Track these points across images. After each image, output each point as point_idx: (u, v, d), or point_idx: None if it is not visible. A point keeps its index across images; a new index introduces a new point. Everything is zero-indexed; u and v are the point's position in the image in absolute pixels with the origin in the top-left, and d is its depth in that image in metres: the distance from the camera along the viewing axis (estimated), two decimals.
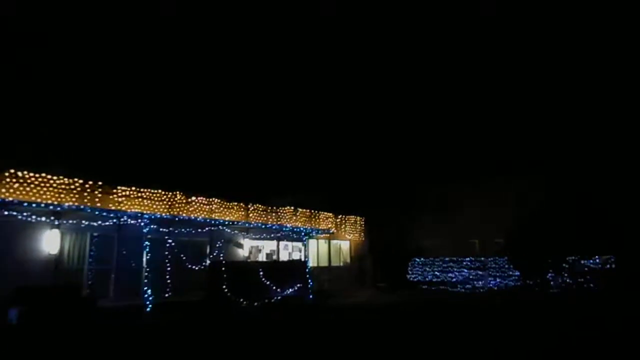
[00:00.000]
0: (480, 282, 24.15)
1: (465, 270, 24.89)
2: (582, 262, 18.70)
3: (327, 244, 23.86)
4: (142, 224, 14.23)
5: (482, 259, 24.44)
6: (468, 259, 24.91)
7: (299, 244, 21.92)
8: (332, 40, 28.90)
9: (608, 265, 17.99)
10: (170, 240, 15.13)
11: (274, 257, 20.68)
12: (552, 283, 19.37)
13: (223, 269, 16.16)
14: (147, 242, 13.94)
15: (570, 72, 27.11)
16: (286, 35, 27.46)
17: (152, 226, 15.14)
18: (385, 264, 26.38)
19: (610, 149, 24.64)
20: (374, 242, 26.98)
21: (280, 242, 21.27)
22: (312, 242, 22.88)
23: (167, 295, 14.62)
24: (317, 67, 28.96)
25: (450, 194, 29.28)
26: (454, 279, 25.13)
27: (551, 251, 18.58)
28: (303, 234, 20.45)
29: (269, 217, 19.74)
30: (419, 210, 28.76)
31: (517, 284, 21.79)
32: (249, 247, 19.64)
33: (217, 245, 16.79)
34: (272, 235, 20.28)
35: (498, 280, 23.51)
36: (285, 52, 28.47)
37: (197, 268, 15.70)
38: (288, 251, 21.99)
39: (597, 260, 18.31)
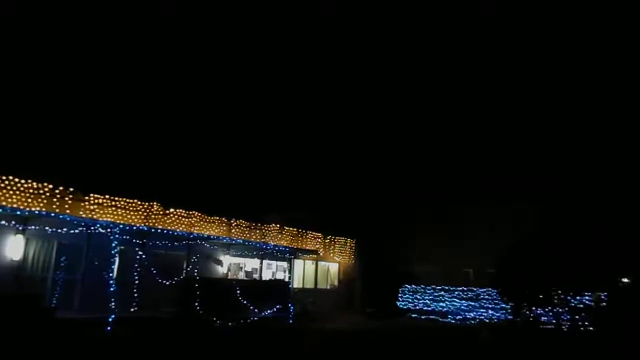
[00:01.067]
0: (471, 314, 23.19)
1: (457, 301, 23.95)
2: (576, 298, 17.78)
3: (315, 265, 23.12)
4: (113, 234, 13.68)
5: (475, 289, 23.53)
6: (460, 288, 24.00)
7: (284, 264, 21.21)
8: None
9: (601, 303, 17.06)
10: (140, 253, 14.54)
11: (255, 275, 19.96)
12: (543, 319, 18.39)
13: (196, 285, 15.49)
14: (116, 253, 13.35)
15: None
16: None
17: (124, 237, 14.60)
18: (374, 289, 25.47)
19: (614, 170, 23.76)
20: (365, 265, 26.17)
21: (264, 261, 20.59)
22: (298, 263, 22.15)
23: (133, 309, 13.93)
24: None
25: (445, 220, 28.47)
26: (445, 309, 24.16)
27: (541, 284, 17.70)
28: (288, 253, 19.76)
29: (253, 233, 19.13)
30: (412, 235, 27.94)
31: (507, 317, 20.80)
32: (228, 264, 18.98)
33: (193, 260, 16.15)
34: (255, 253, 19.63)
35: (490, 312, 22.55)
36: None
37: (167, 283, 15.04)
38: (272, 270, 21.26)
39: (589, 297, 17.38)
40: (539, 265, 17.64)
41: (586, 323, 17.54)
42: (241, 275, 19.66)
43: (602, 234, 18.08)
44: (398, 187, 28.58)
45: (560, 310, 17.66)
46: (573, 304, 17.59)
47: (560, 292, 17.48)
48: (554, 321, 18.16)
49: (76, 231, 13.47)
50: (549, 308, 18.15)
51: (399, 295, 26.04)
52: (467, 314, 23.24)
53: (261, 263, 20.03)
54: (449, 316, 23.71)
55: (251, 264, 20.15)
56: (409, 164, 29.51)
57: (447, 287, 24.57)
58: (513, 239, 21.67)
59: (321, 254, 22.64)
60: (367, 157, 29.66)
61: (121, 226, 14.12)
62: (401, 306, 25.76)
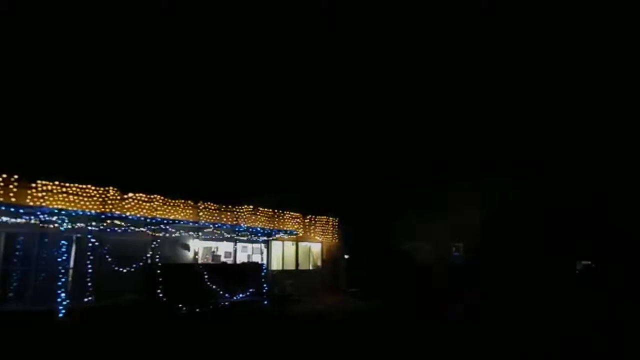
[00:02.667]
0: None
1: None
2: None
3: (295, 245, 22.45)
4: (62, 221, 13.02)
5: (461, 263, 22.84)
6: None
7: (261, 246, 20.57)
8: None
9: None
10: (93, 240, 13.88)
11: (230, 259, 19.32)
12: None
13: (158, 271, 14.89)
14: (65, 242, 12.69)
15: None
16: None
17: (76, 225, 13.96)
18: (360, 268, 24.83)
19: (605, 155, 22.84)
20: (350, 244, 25.48)
21: (240, 244, 19.94)
22: (276, 244, 21.49)
23: (87, 299, 13.34)
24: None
25: (435, 194, 27.59)
26: None
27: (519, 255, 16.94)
28: (261, 234, 19.08)
29: (224, 216, 18.40)
30: (399, 210, 27.15)
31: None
32: (200, 249, 18.35)
33: (154, 245, 15.49)
34: (230, 237, 18.96)
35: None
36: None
37: (125, 270, 14.42)
38: (247, 253, 20.61)
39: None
40: (520, 234, 16.86)
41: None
42: (215, 260, 18.99)
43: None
44: (382, 164, 27.67)
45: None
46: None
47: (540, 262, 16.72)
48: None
49: (21, 220, 12.81)
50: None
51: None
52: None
53: (235, 246, 19.38)
54: None
55: (225, 247, 19.49)
56: (394, 141, 28.52)
57: None
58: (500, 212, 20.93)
59: (300, 234, 21.94)
60: (350, 135, 28.67)
61: (73, 213, 13.49)
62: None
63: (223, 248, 19.39)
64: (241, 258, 20.10)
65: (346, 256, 26.59)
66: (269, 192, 24.45)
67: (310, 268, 23.34)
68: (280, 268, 21.33)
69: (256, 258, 20.44)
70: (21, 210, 12.70)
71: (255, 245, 20.64)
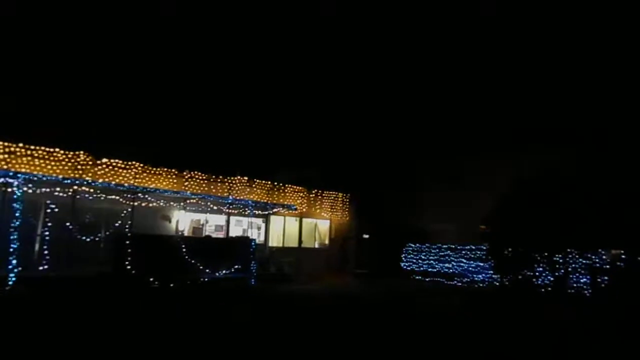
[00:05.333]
0: (480, 276, 20.05)
1: (464, 261, 20.88)
2: (586, 257, 14.17)
3: (298, 221, 20.95)
4: (19, 186, 12.27)
5: (484, 247, 20.23)
6: (467, 247, 20.81)
7: (258, 220, 19.27)
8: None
9: (619, 263, 13.39)
10: (52, 206, 13.06)
11: (222, 234, 18.17)
12: (540, 281, 15.05)
13: (127, 241, 13.91)
14: (16, 205, 11.92)
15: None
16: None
17: (38, 189, 13.21)
18: (371, 248, 22.97)
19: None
20: (361, 222, 23.60)
21: (234, 218, 18.74)
22: (277, 219, 20.11)
23: (42, 268, 12.61)
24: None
25: (459, 171, 24.81)
26: (451, 270, 21.22)
27: (538, 241, 14.29)
28: (254, 208, 17.71)
29: (214, 187, 17.20)
30: (420, 190, 24.75)
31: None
32: (187, 221, 17.32)
33: (123, 214, 14.55)
34: (220, 209, 17.77)
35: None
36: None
37: (88, 239, 13.58)
38: (242, 227, 19.35)
39: (604, 256, 13.75)
40: (537, 219, 14.23)
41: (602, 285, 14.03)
42: (196, 233, 17.89)
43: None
44: (402, 135, 25.22)
45: (562, 271, 14.22)
46: (588, 263, 14.02)
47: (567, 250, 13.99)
48: (548, 282, 14.74)
49: None
50: (543, 268, 14.73)
51: (403, 255, 23.39)
52: (475, 275, 20.17)
53: (228, 220, 18.18)
54: (456, 278, 20.80)
55: (216, 220, 18.35)
56: (413, 109, 25.87)
57: (453, 246, 21.51)
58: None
59: (304, 209, 20.38)
60: (362, 103, 26.32)
61: (35, 178, 12.71)
62: (405, 267, 23.13)
63: (214, 221, 18.24)
64: (235, 232, 18.89)
65: (366, 236, 24.80)
66: (284, 168, 22.87)
67: (316, 246, 21.80)
68: (280, 245, 19.97)
69: (253, 233, 19.18)
70: None
71: (254, 219, 19.35)
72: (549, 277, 14.84)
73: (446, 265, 21.50)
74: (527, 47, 23.55)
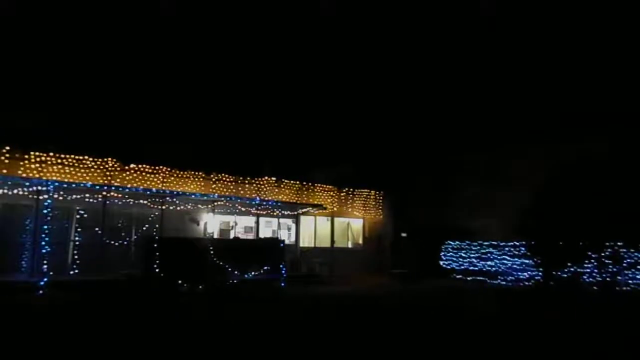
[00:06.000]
0: (526, 274, 18.72)
1: (508, 258, 19.60)
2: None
3: (330, 221, 20.47)
4: (47, 192, 12.60)
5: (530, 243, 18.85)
6: (511, 243, 19.49)
7: (288, 221, 19.00)
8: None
9: None
10: (82, 211, 13.33)
11: (252, 235, 18.02)
12: (589, 279, 13.69)
13: (155, 244, 14.00)
14: (45, 212, 12.22)
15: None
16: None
17: (73, 196, 13.54)
18: (408, 246, 22.09)
19: None
20: (399, 221, 22.78)
21: (263, 219, 18.54)
22: (308, 219, 19.73)
23: (72, 272, 12.87)
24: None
25: (496, 164, 23.40)
26: (494, 269, 20.01)
27: (584, 234, 12.98)
28: (283, 208, 17.43)
29: (242, 188, 17.10)
30: (458, 184, 23.58)
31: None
32: (216, 224, 17.28)
33: (151, 218, 14.66)
34: (248, 210, 17.62)
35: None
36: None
37: (117, 244, 13.76)
38: (272, 228, 19.11)
39: None
40: (582, 209, 12.97)
41: None
42: (224, 235, 17.80)
43: None
44: (434, 132, 24.17)
45: (615, 268, 12.86)
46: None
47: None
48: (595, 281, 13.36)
49: (10, 192, 12.61)
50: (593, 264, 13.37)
51: (442, 253, 22.35)
52: (520, 274, 18.88)
53: (257, 221, 18.00)
54: (499, 277, 19.58)
55: (245, 222, 18.21)
56: (444, 104, 24.74)
57: (495, 243, 20.28)
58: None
59: (334, 208, 19.90)
60: (394, 100, 25.42)
61: (65, 185, 13.01)
62: (445, 266, 22.09)
63: (243, 223, 18.13)
64: (265, 234, 18.71)
65: (403, 234, 23.97)
66: (316, 167, 22.44)
67: (350, 246, 21.25)
68: (312, 245, 19.59)
69: (283, 234, 18.94)
70: (9, 182, 12.48)
71: (284, 220, 19.11)
72: (601, 274, 13.53)
73: (488, 263, 20.31)
74: (549, 35, 22.16)
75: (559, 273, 15.03)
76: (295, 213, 18.38)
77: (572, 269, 14.41)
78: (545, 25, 22.52)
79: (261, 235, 18.37)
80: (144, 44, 21.53)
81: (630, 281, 13.31)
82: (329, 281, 17.63)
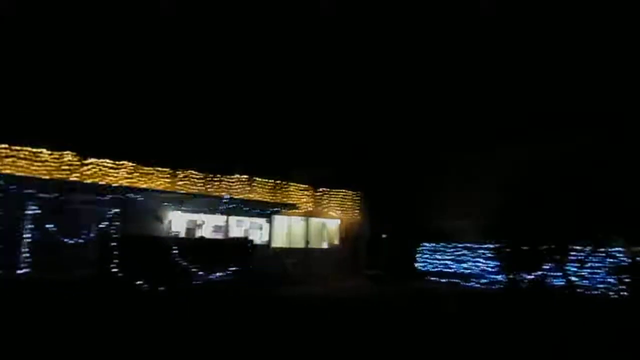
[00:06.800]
0: (500, 276, 18.47)
1: (482, 261, 19.37)
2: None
3: (305, 221, 20.00)
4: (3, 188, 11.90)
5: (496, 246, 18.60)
6: (485, 246, 19.27)
7: (260, 220, 18.46)
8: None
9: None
10: (35, 207, 12.64)
11: (221, 234, 17.45)
12: (555, 282, 13.47)
13: (114, 243, 13.37)
14: None
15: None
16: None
17: (27, 190, 12.83)
18: (383, 248, 21.75)
19: None
20: (376, 222, 22.40)
21: (234, 218, 17.97)
22: (282, 219, 19.22)
23: (21, 272, 12.17)
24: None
25: (473, 165, 23.19)
26: (468, 271, 19.77)
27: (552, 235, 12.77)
28: (254, 208, 16.91)
29: (210, 186, 16.51)
30: (435, 185, 23.31)
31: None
32: (183, 222, 16.68)
33: (108, 215, 14.00)
34: (221, 209, 17.04)
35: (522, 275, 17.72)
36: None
37: (72, 242, 13.09)
38: (243, 228, 18.55)
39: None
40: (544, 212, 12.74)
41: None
42: (189, 234, 17.20)
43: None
44: (413, 133, 23.88)
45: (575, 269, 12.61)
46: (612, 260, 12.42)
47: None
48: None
49: None
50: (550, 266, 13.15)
51: (418, 255, 22.04)
52: (493, 276, 18.64)
53: (227, 220, 17.45)
54: (472, 280, 19.32)
55: (215, 221, 17.62)
56: (422, 105, 24.48)
57: (469, 245, 20.04)
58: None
59: (310, 208, 19.44)
60: (373, 101, 25.08)
61: (19, 179, 12.32)
62: (420, 268, 21.79)
63: (212, 221, 17.54)
64: (236, 233, 18.14)
65: (384, 235, 23.59)
66: (295, 167, 21.89)
67: (325, 247, 20.80)
68: (286, 245, 19.09)
69: (255, 234, 18.39)
70: None
71: (257, 219, 18.55)
72: (565, 277, 13.31)
73: (463, 265, 20.07)
74: (533, 38, 22.06)
75: (524, 276, 14.79)
76: (269, 212, 17.87)
77: (538, 273, 14.17)
78: (524, 25, 22.40)
79: (232, 235, 17.82)
80: (134, 37, 20.89)
81: (599, 285, 13.12)
82: (301, 282, 17.14)
